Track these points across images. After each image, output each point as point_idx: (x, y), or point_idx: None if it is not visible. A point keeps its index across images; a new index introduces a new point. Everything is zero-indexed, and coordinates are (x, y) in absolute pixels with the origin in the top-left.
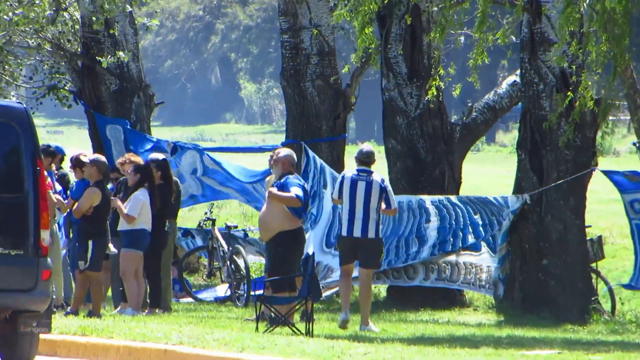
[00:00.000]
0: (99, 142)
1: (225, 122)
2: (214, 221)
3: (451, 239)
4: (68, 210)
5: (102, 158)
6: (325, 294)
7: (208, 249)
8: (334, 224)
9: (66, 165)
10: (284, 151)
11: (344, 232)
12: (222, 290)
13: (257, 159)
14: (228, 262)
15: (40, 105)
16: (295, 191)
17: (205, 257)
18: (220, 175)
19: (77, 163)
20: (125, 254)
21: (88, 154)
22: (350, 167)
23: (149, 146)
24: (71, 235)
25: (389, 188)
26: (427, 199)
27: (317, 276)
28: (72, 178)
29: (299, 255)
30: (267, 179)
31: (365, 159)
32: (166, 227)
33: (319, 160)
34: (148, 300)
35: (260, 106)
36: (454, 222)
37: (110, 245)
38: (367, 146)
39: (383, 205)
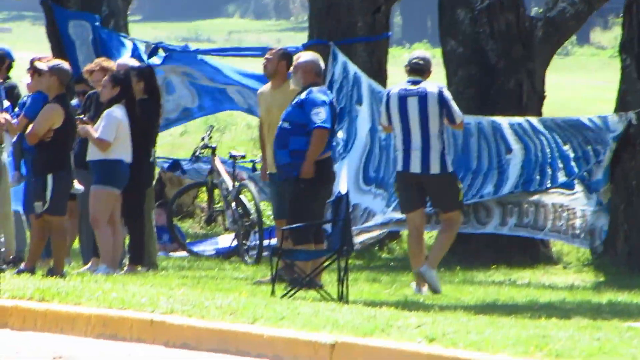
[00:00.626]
0: (60, 44)
1: (227, 17)
2: (213, 149)
3: (538, 177)
4: (19, 133)
5: (65, 65)
6: (358, 239)
7: (206, 186)
8: (373, 153)
9: (15, 74)
10: (306, 55)
11: (399, 167)
12: (226, 241)
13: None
14: (233, 204)
15: None
16: (320, 115)
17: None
18: (221, 75)
19: (34, 69)
20: (97, 193)
21: (46, 58)
22: (396, 79)
23: (125, 51)
24: (23, 167)
25: (450, 97)
26: (504, 120)
27: (353, 223)
28: (24, 91)
29: (327, 195)
30: (259, 90)
31: (418, 67)
32: (151, 157)
33: (352, 68)
34: (127, 255)
35: None
36: (539, 154)
37: (76, 182)
38: (420, 51)
39: (446, 122)
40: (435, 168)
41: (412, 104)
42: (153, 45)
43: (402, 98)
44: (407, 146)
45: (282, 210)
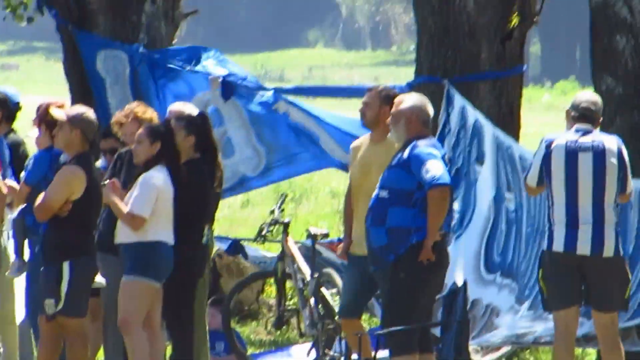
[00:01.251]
0: (83, 84)
1: (307, 47)
2: (286, 226)
3: None
4: (23, 205)
5: (91, 114)
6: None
7: (276, 277)
8: (498, 229)
9: (22, 125)
10: (410, 99)
11: (557, 246)
12: (302, 351)
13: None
14: (312, 301)
15: None
16: (433, 171)
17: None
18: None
19: (45, 120)
20: (129, 286)
21: (64, 103)
22: (532, 129)
23: (181, 87)
24: (26, 252)
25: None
26: None
27: (471, 324)
28: (32, 148)
29: (438, 288)
30: (354, 144)
31: (589, 113)
32: (205, 238)
33: (472, 113)
34: None
35: (369, 19)
36: None
37: (97, 273)
38: (589, 93)
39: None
40: (609, 249)
41: (585, 162)
42: (221, 79)
43: (572, 152)
44: (573, 218)
45: (356, 305)
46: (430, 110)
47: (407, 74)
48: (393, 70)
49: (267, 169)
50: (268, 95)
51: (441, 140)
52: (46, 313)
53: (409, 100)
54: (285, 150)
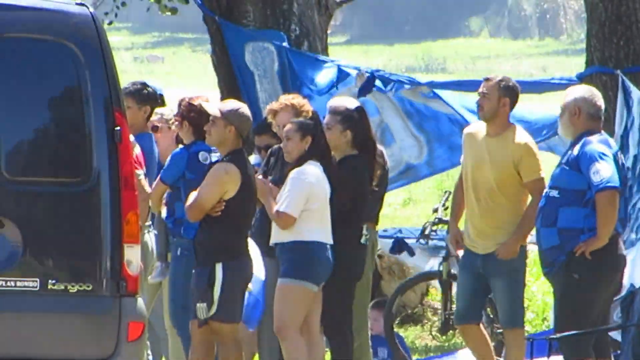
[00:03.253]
0: (231, 77)
1: (471, 36)
2: None
3: None
4: (155, 200)
5: (246, 109)
6: None
7: (441, 279)
8: None
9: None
10: (577, 91)
11: None
12: (469, 357)
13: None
14: (456, 302)
15: (120, 10)
16: (602, 172)
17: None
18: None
19: (187, 115)
20: (286, 290)
21: (210, 97)
22: None
23: (324, 78)
24: (172, 253)
25: None
26: None
27: None
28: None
29: (614, 290)
30: (467, 130)
31: None
32: (363, 238)
33: None
34: None
35: (536, 6)
36: None
37: (257, 273)
38: None
39: None
40: None
41: None
42: (368, 74)
43: None
44: None
45: (474, 309)
46: (600, 103)
47: (578, 64)
48: (562, 60)
49: (430, 157)
50: (423, 90)
51: (625, 136)
52: (197, 318)
53: (574, 92)
54: (447, 139)
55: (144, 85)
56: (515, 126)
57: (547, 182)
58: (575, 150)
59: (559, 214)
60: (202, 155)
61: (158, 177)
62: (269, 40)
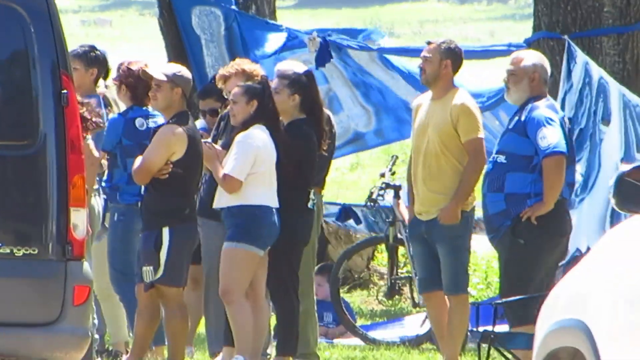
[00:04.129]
0: (178, 41)
1: (418, 0)
2: (397, 189)
3: None
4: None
5: (186, 71)
6: None
7: (387, 244)
8: None
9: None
10: (530, 56)
11: None
12: (415, 323)
13: (484, 70)
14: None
15: None
16: (549, 138)
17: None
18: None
19: (126, 80)
20: (231, 254)
21: (138, 62)
22: None
23: (273, 44)
24: (110, 219)
25: None
26: None
27: None
28: (118, 107)
29: (559, 255)
30: (414, 102)
31: None
32: (310, 202)
33: (596, 71)
34: (274, 342)
35: None
36: None
37: (201, 238)
38: None
39: None
40: None
41: None
42: (320, 39)
43: None
44: None
45: (433, 275)
46: (548, 69)
47: (526, 29)
48: (510, 25)
49: (379, 127)
50: (372, 55)
51: (563, 99)
52: (144, 281)
53: (530, 57)
54: (395, 112)
55: (92, 48)
56: (458, 89)
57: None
58: (523, 115)
59: (506, 179)
60: (138, 122)
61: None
62: (215, 4)
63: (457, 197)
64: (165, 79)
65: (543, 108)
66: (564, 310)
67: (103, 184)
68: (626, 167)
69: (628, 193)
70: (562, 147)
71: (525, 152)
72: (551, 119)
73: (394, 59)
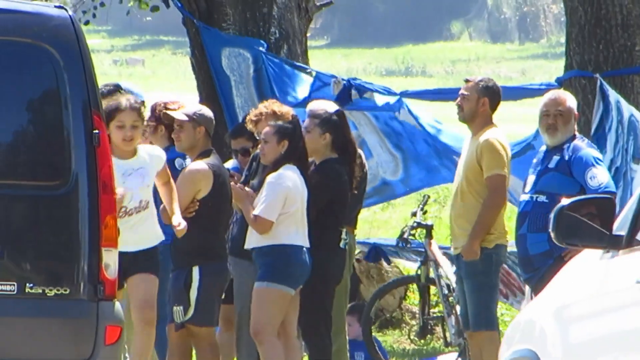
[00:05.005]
0: (210, 81)
1: (450, 40)
2: (429, 229)
3: None
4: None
5: (206, 109)
6: None
7: (419, 283)
8: None
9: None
10: (569, 96)
11: None
12: None
13: (519, 111)
14: (458, 308)
15: (98, 11)
16: (599, 177)
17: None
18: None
19: (160, 117)
20: (262, 294)
21: (188, 101)
22: None
23: (303, 88)
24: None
25: None
26: None
27: None
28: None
29: None
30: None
31: None
32: (342, 242)
33: (628, 109)
34: None
35: (516, 9)
36: None
37: (234, 277)
38: None
39: None
40: None
41: None
42: (344, 82)
43: None
44: None
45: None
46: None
47: (558, 67)
48: (542, 63)
49: (406, 175)
50: (392, 100)
51: (602, 138)
52: (174, 321)
53: (568, 98)
54: (424, 160)
55: (117, 87)
56: (494, 125)
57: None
58: (566, 155)
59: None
60: (178, 162)
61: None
62: (245, 47)
63: (474, 233)
64: (186, 119)
65: (587, 148)
66: (519, 340)
67: None
68: (566, 201)
69: (567, 227)
70: (613, 187)
71: (569, 191)
72: (599, 159)
73: (421, 112)
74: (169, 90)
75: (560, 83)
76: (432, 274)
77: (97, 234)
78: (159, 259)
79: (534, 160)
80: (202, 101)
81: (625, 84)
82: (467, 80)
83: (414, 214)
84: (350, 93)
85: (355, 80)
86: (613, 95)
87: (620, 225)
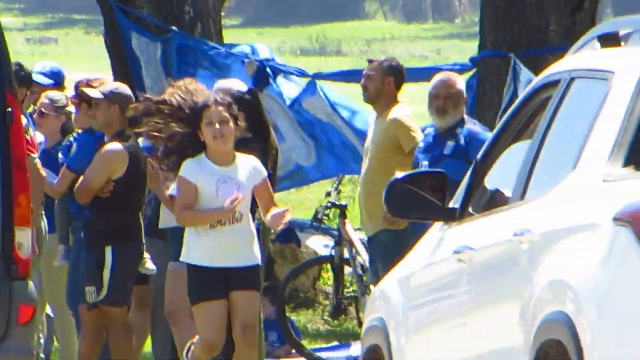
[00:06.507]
0: (124, 59)
1: (365, 19)
2: (343, 209)
3: None
4: (63, 190)
5: (125, 89)
6: None
7: (333, 264)
8: None
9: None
10: (459, 78)
11: None
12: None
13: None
14: (372, 288)
15: None
16: None
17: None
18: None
19: (80, 96)
20: (176, 274)
21: (99, 80)
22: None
23: (218, 67)
24: (71, 238)
25: None
26: None
27: None
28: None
29: None
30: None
31: None
32: (256, 222)
33: None
34: None
35: None
36: None
37: (147, 259)
38: None
39: None
40: None
41: None
42: (257, 63)
43: None
44: None
45: None
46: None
47: (472, 47)
48: (457, 43)
49: (320, 162)
50: (304, 81)
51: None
52: (87, 301)
53: (458, 79)
54: (337, 149)
55: (20, 66)
56: (399, 103)
57: None
58: (461, 140)
59: None
60: (107, 139)
61: (64, 166)
62: (146, 36)
63: None
64: (101, 97)
65: (484, 132)
66: (373, 309)
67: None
68: (401, 174)
69: (400, 199)
70: None
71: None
72: None
73: (335, 94)
74: (84, 70)
75: (475, 63)
76: (346, 255)
77: (10, 212)
78: (259, 277)
79: (421, 144)
80: (116, 80)
81: (540, 63)
82: (370, 61)
83: (329, 194)
84: (266, 74)
85: (268, 61)
86: (525, 74)
87: (457, 198)
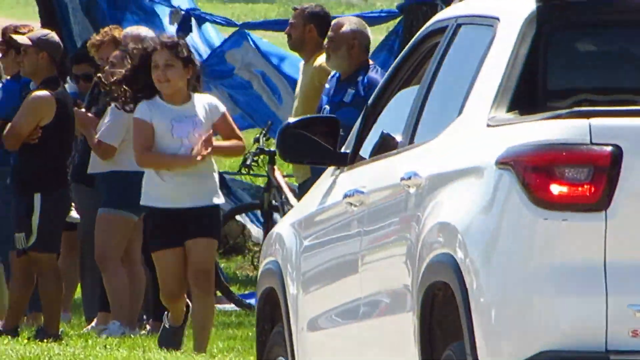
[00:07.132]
0: (50, 7)
1: None
2: (272, 155)
3: None
4: None
5: (54, 36)
6: None
7: (262, 209)
8: None
9: None
10: (351, 22)
11: None
12: None
13: None
14: None
15: None
16: None
17: (257, 226)
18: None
19: (8, 42)
20: (106, 220)
21: (27, 27)
22: None
23: (145, 16)
24: (0, 182)
25: None
26: None
27: None
28: None
29: None
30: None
31: None
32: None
33: None
34: (149, 307)
35: None
36: None
37: (72, 207)
38: None
39: None
40: None
41: None
42: (183, 12)
43: None
44: None
45: None
46: (371, 36)
47: None
48: None
49: (242, 115)
50: (234, 31)
51: None
52: (16, 248)
53: (349, 23)
54: (265, 106)
55: None
56: (323, 51)
57: None
58: (361, 89)
59: None
60: (33, 85)
61: None
62: None
63: None
64: (29, 43)
65: (377, 74)
66: (268, 252)
67: None
68: (293, 120)
69: (292, 144)
70: None
71: None
72: None
73: (264, 43)
74: (12, 17)
75: (401, 10)
76: (275, 201)
77: None
78: (219, 220)
79: (327, 85)
80: (43, 27)
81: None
82: (295, 9)
83: (257, 141)
84: (190, 23)
85: (194, 11)
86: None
87: (348, 143)
